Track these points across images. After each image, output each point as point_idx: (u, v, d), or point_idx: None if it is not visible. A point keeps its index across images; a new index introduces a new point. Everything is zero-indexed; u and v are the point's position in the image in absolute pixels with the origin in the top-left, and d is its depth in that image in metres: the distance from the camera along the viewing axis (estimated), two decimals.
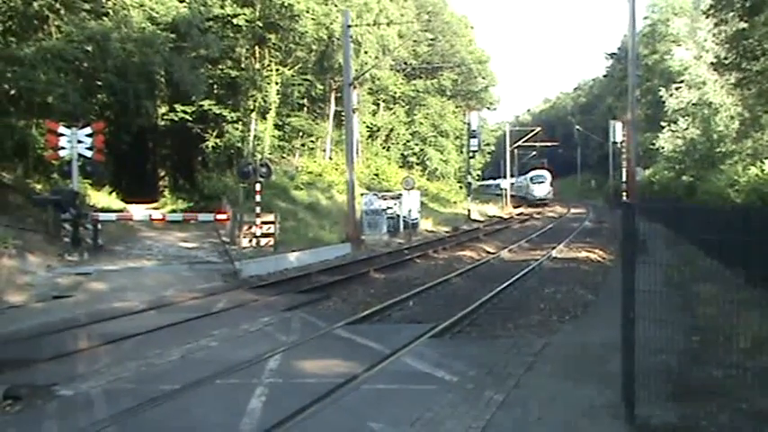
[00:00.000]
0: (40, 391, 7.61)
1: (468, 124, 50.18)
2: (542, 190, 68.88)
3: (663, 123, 34.36)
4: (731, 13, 18.17)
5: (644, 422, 5.77)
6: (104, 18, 24.70)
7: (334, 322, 11.25)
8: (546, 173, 70.48)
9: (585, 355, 8.63)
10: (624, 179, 37.63)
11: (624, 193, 33.09)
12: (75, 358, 9.17)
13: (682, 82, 32.15)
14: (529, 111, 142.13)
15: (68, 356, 9.23)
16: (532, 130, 72.71)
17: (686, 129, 29.70)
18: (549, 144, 77.43)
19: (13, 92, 21.51)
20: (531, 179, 70.22)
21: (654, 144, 36.45)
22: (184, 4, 31.13)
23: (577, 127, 78.22)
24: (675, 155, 30.44)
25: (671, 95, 32.62)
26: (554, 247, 23.53)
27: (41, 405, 7.28)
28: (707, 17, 21.46)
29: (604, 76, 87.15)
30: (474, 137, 49.55)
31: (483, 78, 71.39)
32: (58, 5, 22.07)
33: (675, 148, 31.06)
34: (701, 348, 7.29)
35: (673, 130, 31.87)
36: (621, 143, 45.84)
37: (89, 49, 23.14)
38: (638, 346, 5.77)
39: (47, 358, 9.05)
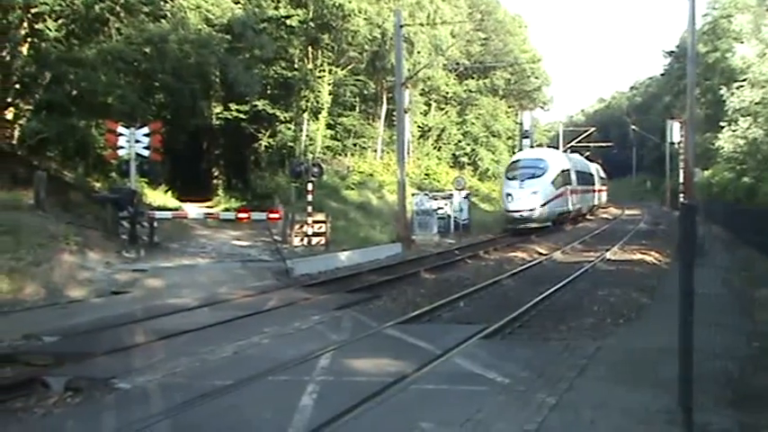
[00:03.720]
0: (98, 384, 7.80)
1: (521, 124, 49.79)
2: (531, 200, 32.39)
3: (723, 123, 33.47)
4: None
5: (702, 429, 5.63)
6: (162, 20, 25.23)
7: (385, 322, 11.26)
8: (553, 159, 36.80)
9: (640, 360, 8.46)
10: (681, 180, 36.79)
11: (681, 195, 32.35)
12: (132, 353, 9.37)
13: (744, 80, 31.26)
14: (583, 111, 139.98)
15: (125, 351, 9.44)
16: (586, 131, 71.33)
17: (748, 128, 28.84)
18: (603, 145, 75.94)
19: (74, 93, 22.12)
20: (512, 175, 34.26)
21: (713, 144, 35.55)
22: (239, 5, 31.63)
23: (633, 127, 76.49)
24: (736, 155, 29.63)
25: (732, 94, 31.74)
26: (608, 249, 23.14)
27: (100, 397, 7.46)
28: None
29: (662, 74, 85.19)
30: (526, 137, 49.13)
31: (536, 78, 70.62)
32: (118, 8, 22.59)
33: (736, 149, 30.22)
34: (761, 354, 7.08)
35: (733, 130, 31.03)
36: (679, 143, 44.76)
37: (147, 50, 23.70)
38: (696, 350, 5.63)
39: (105, 352, 9.26)
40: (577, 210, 40.24)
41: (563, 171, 35.95)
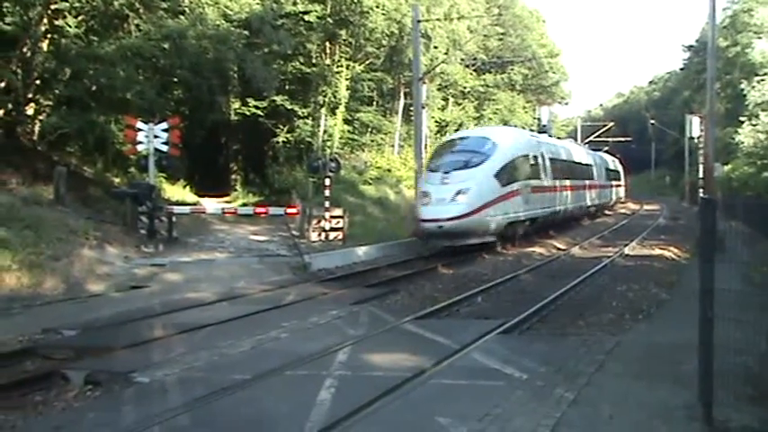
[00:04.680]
0: (118, 378, 7.87)
1: (539, 119, 49.47)
2: (455, 203, 20.43)
3: (743, 118, 33.22)
4: None
5: (722, 425, 5.58)
6: (181, 16, 25.34)
7: (402, 316, 11.26)
8: (506, 139, 24.52)
9: (659, 355, 8.40)
10: (701, 175, 36.51)
11: (701, 190, 32.11)
12: (151, 347, 9.43)
13: (765, 75, 30.98)
14: (601, 105, 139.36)
15: (144, 345, 9.51)
16: (604, 125, 70.84)
17: None
18: (621, 139, 75.37)
19: (94, 88, 22.29)
20: (436, 164, 23.05)
21: (732, 139, 35.28)
22: (257, 1, 31.66)
23: (652, 121, 75.82)
24: (757, 150, 29.38)
25: (753, 89, 31.51)
26: (626, 245, 22.98)
27: (119, 391, 7.53)
28: None
29: (681, 69, 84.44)
30: (544, 132, 48.81)
31: (554, 73, 70.27)
32: (137, 4, 22.73)
33: (756, 144, 29.98)
34: None
35: (754, 125, 30.77)
36: (698, 138, 44.39)
37: (166, 46, 23.81)
38: (716, 346, 5.58)
39: (124, 346, 9.34)
40: (559, 214, 28.63)
41: (520, 158, 23.79)
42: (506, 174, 22.22)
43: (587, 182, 35.40)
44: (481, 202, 20.57)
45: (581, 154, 37.22)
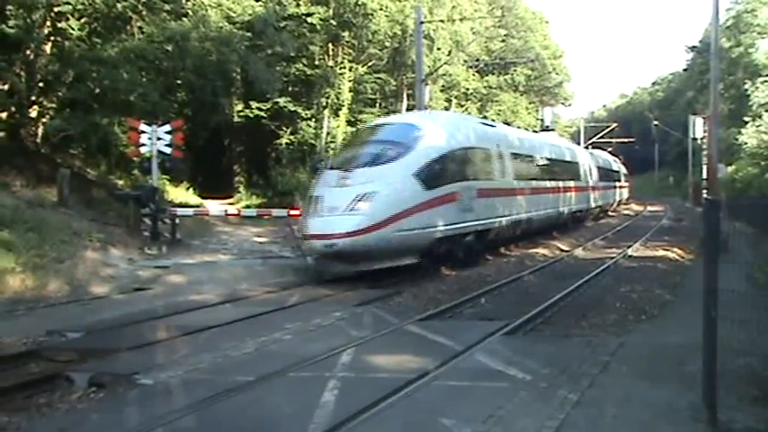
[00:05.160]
0: (121, 380, 7.88)
1: (542, 120, 49.41)
2: (353, 214, 15.00)
3: (746, 118, 33.19)
4: None
5: (727, 426, 5.57)
6: (184, 18, 25.39)
7: (406, 318, 11.26)
8: (436, 126, 18.57)
9: (663, 356, 8.39)
10: (705, 176, 36.47)
11: (705, 191, 32.09)
12: (155, 348, 9.44)
13: None
14: (604, 106, 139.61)
15: (148, 347, 9.52)
16: (608, 126, 70.87)
17: None
18: (625, 140, 75.40)
19: (97, 91, 22.33)
20: (340, 160, 17.75)
21: (737, 140, 35.24)
22: (260, 3, 31.72)
23: (655, 122, 75.79)
24: (760, 151, 29.35)
25: (756, 89, 31.46)
26: (630, 246, 22.95)
27: (123, 393, 7.53)
28: None
29: (684, 69, 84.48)
30: (548, 131, 48.76)
31: (557, 74, 70.33)
32: (140, 7, 22.76)
33: (760, 144, 29.94)
34: None
35: (757, 126, 30.74)
36: (702, 139, 44.38)
37: (169, 48, 23.84)
38: (720, 347, 5.57)
39: (128, 348, 9.35)
40: (524, 222, 23.07)
41: (460, 152, 18.34)
42: (435, 172, 16.68)
43: (572, 183, 30.55)
44: (392, 210, 15.29)
45: (562, 150, 31.64)
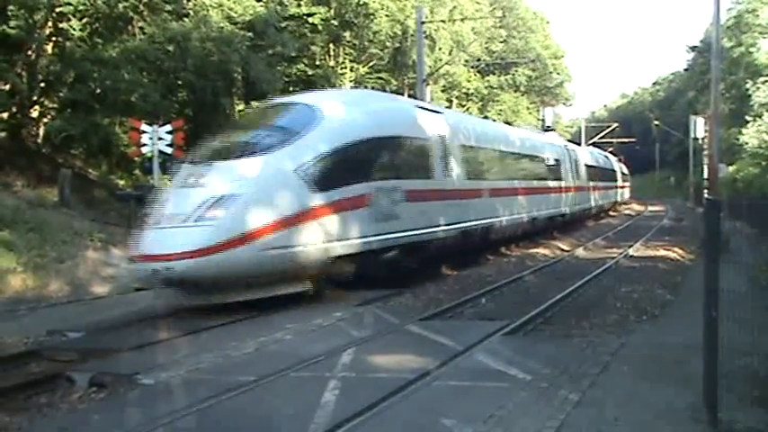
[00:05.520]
0: (122, 380, 7.87)
1: (543, 120, 49.40)
2: (198, 227, 10.90)
3: (748, 118, 33.19)
4: None
5: (728, 427, 5.57)
6: (185, 19, 25.42)
7: (406, 318, 11.25)
8: (338, 107, 14.08)
9: (664, 357, 8.38)
10: (706, 176, 36.46)
11: (705, 191, 32.10)
12: (155, 348, 9.44)
13: None
14: (605, 106, 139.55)
15: (149, 346, 9.52)
16: (608, 126, 70.90)
17: None
18: (625, 140, 75.44)
19: (98, 91, 22.37)
20: (201, 154, 13.18)
21: (738, 140, 35.24)
22: (261, 3, 31.71)
23: (656, 122, 75.82)
24: (762, 151, 29.34)
25: (757, 89, 31.46)
26: (631, 246, 22.95)
27: (124, 393, 7.53)
28: None
29: (685, 69, 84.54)
30: (549, 130, 48.78)
31: (558, 74, 70.37)
32: (141, 7, 22.80)
33: (761, 144, 29.94)
34: None
35: (759, 126, 30.74)
36: (703, 139, 44.38)
37: (170, 49, 23.90)
38: (721, 347, 5.57)
39: (128, 348, 9.35)
40: (477, 232, 19.07)
41: (375, 142, 14.30)
42: (331, 168, 12.64)
43: (552, 183, 26.95)
44: (259, 219, 11.36)
45: (535, 145, 26.94)
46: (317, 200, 12.24)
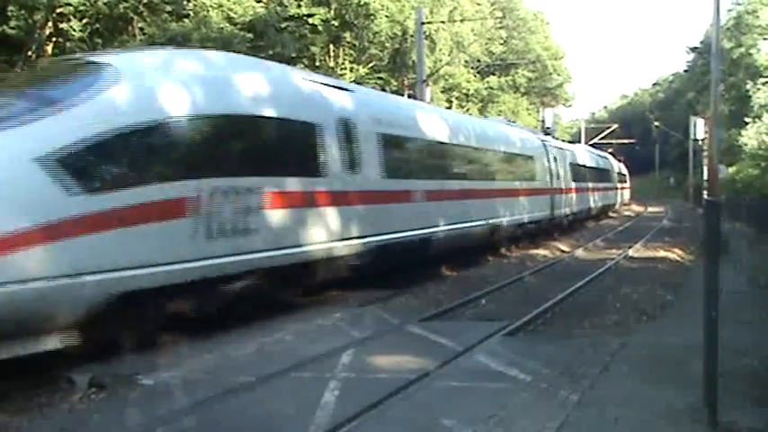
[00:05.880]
0: (122, 380, 7.87)
1: (543, 121, 49.45)
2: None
3: (747, 119, 33.23)
4: None
5: (727, 427, 5.58)
6: (185, 19, 25.44)
7: (407, 319, 11.25)
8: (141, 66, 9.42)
9: (664, 357, 8.39)
10: (705, 177, 36.45)
11: (705, 191, 32.10)
12: (155, 349, 9.43)
13: None
14: (605, 107, 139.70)
15: (149, 347, 9.50)
16: (608, 127, 70.90)
17: None
18: (625, 141, 75.46)
19: None
20: None
21: (737, 141, 35.27)
22: (261, 4, 31.76)
23: (656, 123, 75.85)
24: (761, 151, 29.36)
25: (757, 90, 31.48)
26: (631, 246, 22.96)
27: (124, 393, 7.53)
28: None
29: (685, 70, 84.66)
30: (548, 134, 48.82)
31: (558, 75, 70.39)
32: (141, 8, 22.82)
33: (761, 145, 29.97)
34: None
35: (758, 127, 30.77)
36: (703, 140, 44.39)
37: None
38: (721, 347, 5.58)
39: (128, 348, 9.33)
40: (393, 247, 14.28)
41: (190, 121, 9.41)
42: (115, 157, 8.51)
43: (520, 184, 22.86)
44: None
45: (498, 137, 22.23)
46: (85, 206, 7.88)
